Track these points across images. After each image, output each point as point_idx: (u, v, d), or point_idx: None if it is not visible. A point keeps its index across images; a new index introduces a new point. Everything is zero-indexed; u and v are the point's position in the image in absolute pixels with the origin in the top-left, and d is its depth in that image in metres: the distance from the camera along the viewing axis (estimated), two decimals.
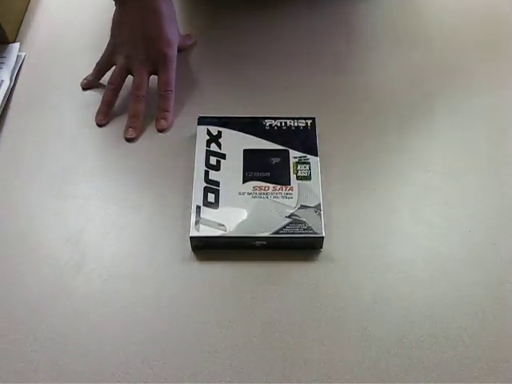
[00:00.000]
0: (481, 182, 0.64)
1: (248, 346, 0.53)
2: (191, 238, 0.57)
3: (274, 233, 0.57)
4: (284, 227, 0.57)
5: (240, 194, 0.60)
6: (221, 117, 0.66)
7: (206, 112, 0.68)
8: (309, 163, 0.62)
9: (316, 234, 0.57)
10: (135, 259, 0.59)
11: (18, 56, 0.76)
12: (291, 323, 0.55)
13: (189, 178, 0.62)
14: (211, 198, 0.60)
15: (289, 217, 0.58)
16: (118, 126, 0.69)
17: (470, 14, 0.82)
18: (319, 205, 0.59)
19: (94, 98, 0.72)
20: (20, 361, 0.52)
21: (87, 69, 0.74)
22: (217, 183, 0.61)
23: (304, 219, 0.58)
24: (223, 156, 0.63)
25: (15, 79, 0.73)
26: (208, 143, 0.64)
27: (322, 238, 0.57)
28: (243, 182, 0.61)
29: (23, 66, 0.75)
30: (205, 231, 0.57)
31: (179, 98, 0.71)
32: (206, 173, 0.61)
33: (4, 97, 0.70)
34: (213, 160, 0.63)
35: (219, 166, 0.62)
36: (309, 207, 0.59)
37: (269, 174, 0.61)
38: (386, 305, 0.56)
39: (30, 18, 0.82)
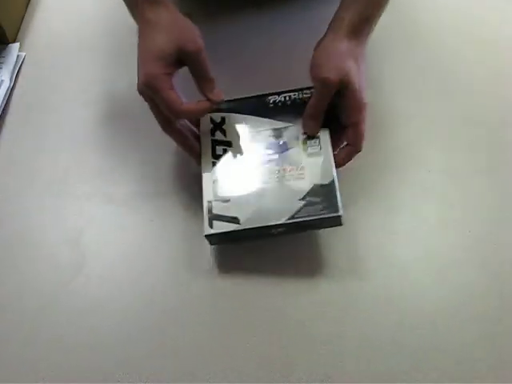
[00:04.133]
0: (481, 181, 0.64)
1: (248, 345, 0.53)
2: (206, 235, 0.55)
3: (290, 218, 0.54)
4: (299, 211, 0.54)
5: (250, 181, 0.57)
6: (223, 101, 0.61)
7: None
8: (318, 137, 0.58)
9: (333, 213, 0.54)
10: (135, 259, 0.59)
11: (18, 56, 0.76)
12: (291, 322, 0.55)
13: (191, 175, 0.62)
14: (221, 190, 0.57)
15: (303, 199, 0.55)
16: (118, 125, 0.69)
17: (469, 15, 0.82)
18: (333, 181, 0.55)
19: (94, 97, 0.72)
20: (20, 361, 0.52)
21: (87, 69, 0.74)
22: (225, 173, 0.58)
23: (318, 199, 0.55)
24: (229, 144, 0.60)
25: (15, 79, 0.74)
26: (212, 132, 0.60)
27: (340, 216, 0.54)
28: (252, 169, 0.58)
29: (23, 66, 0.75)
30: (219, 227, 0.55)
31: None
32: (214, 164, 0.58)
33: (4, 97, 0.70)
34: (219, 150, 0.59)
35: (226, 154, 0.59)
36: (323, 185, 0.55)
37: (277, 156, 0.58)
38: (385, 305, 0.56)
39: (30, 18, 0.82)
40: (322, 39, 0.58)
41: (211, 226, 0.55)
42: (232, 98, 0.62)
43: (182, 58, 0.55)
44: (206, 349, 0.53)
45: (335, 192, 0.55)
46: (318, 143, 0.58)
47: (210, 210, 0.56)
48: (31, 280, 0.57)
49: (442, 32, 0.80)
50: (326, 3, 0.82)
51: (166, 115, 0.56)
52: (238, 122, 0.61)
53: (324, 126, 0.58)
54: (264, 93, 0.62)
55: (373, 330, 0.54)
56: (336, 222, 0.55)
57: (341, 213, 0.54)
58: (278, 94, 0.62)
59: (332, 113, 0.57)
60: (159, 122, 0.58)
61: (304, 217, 0.54)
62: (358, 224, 0.61)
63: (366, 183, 0.64)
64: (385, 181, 0.65)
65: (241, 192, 0.57)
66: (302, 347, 0.53)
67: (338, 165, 0.57)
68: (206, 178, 0.58)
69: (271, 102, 0.61)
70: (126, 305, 0.56)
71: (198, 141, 0.60)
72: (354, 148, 0.57)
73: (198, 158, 0.59)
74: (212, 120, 0.61)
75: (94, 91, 0.73)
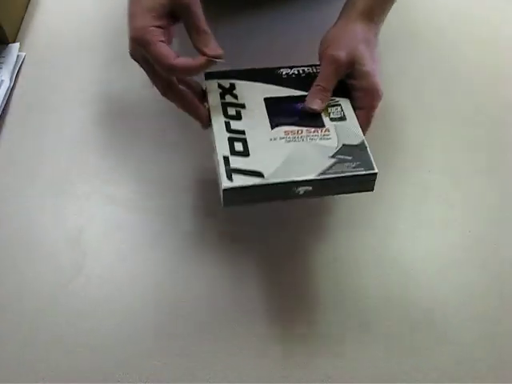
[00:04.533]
0: (481, 181, 0.64)
1: (248, 345, 0.53)
2: (224, 190, 0.48)
3: (321, 174, 0.49)
4: (330, 167, 0.49)
5: (271, 139, 0.51)
6: (230, 70, 0.56)
7: None
8: (339, 105, 0.54)
9: (368, 170, 0.50)
10: (135, 259, 0.59)
11: (18, 56, 0.76)
12: (291, 322, 0.55)
13: (191, 174, 0.62)
14: (239, 146, 0.51)
15: (333, 156, 0.50)
16: (118, 125, 0.69)
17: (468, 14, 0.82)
18: (363, 142, 0.52)
19: (94, 97, 0.72)
20: (20, 361, 0.52)
21: (87, 69, 0.74)
22: (241, 132, 0.52)
23: (350, 158, 0.50)
24: (242, 106, 0.54)
25: (15, 79, 0.73)
26: (222, 95, 0.55)
27: (375, 174, 0.50)
28: (272, 128, 0.52)
29: (23, 66, 0.75)
30: (240, 180, 0.48)
31: None
32: (227, 124, 0.52)
33: (4, 97, 0.70)
34: (231, 110, 0.53)
35: (240, 115, 0.53)
36: (352, 145, 0.51)
37: (298, 118, 0.53)
38: (386, 305, 0.56)
39: (30, 18, 0.82)
40: (333, 25, 0.57)
41: (230, 178, 0.49)
42: (242, 68, 0.57)
43: (174, 10, 0.51)
44: (206, 349, 0.53)
45: (367, 151, 0.51)
46: (340, 109, 0.54)
47: (227, 164, 0.50)
48: (31, 280, 0.57)
49: (442, 32, 0.80)
50: (326, 3, 0.82)
51: (165, 78, 0.52)
52: (250, 89, 0.55)
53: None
54: (276, 66, 0.57)
55: (373, 329, 0.54)
56: (369, 183, 0.51)
57: (376, 170, 0.50)
58: (291, 67, 0.58)
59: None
60: (158, 87, 0.53)
61: (337, 173, 0.49)
62: (358, 224, 0.61)
63: None
64: (385, 181, 0.64)
65: (262, 149, 0.51)
66: (302, 347, 0.53)
67: None
68: (219, 135, 0.52)
69: (284, 73, 0.57)
70: (125, 305, 0.56)
71: (202, 102, 0.55)
72: None
73: (205, 119, 0.54)
74: (220, 86, 0.56)
75: (94, 91, 0.73)
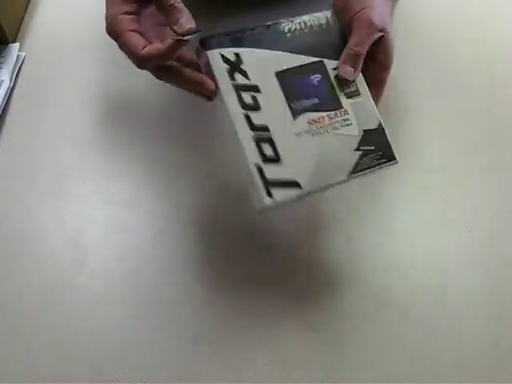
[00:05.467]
0: (481, 181, 0.64)
1: (248, 345, 0.53)
2: (265, 208, 0.48)
3: (352, 172, 0.50)
4: (358, 163, 0.50)
5: (296, 135, 0.50)
6: (229, 32, 0.52)
7: None
8: None
9: (392, 161, 0.52)
10: (135, 258, 0.59)
11: (18, 56, 0.76)
12: (291, 323, 0.55)
13: (191, 173, 0.62)
14: (267, 149, 0.49)
15: (357, 149, 0.51)
16: (118, 125, 0.69)
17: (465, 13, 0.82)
18: (380, 124, 0.52)
19: (94, 97, 0.72)
20: (20, 361, 0.52)
21: (87, 69, 0.74)
22: (265, 128, 0.50)
23: (373, 147, 0.51)
24: (256, 88, 0.50)
25: (15, 79, 0.73)
26: (231, 75, 0.50)
27: (396, 162, 0.52)
28: (294, 118, 0.51)
29: (23, 66, 0.75)
30: (279, 195, 0.48)
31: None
32: (248, 118, 0.49)
33: (4, 97, 0.70)
34: (247, 97, 0.50)
35: (257, 103, 0.50)
36: (371, 130, 0.52)
37: (316, 98, 0.51)
38: (385, 305, 0.56)
39: (30, 19, 0.82)
40: None
41: (270, 194, 0.48)
42: (241, 28, 0.53)
43: None
44: (206, 349, 0.53)
45: (386, 137, 0.52)
46: (353, 82, 0.53)
47: (262, 176, 0.48)
48: (31, 280, 0.57)
49: (435, 30, 0.80)
50: (326, 4, 0.82)
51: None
52: (258, 60, 0.51)
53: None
54: (274, 22, 0.54)
55: (372, 330, 0.54)
56: (388, 167, 0.53)
57: (397, 159, 0.52)
58: (290, 21, 0.54)
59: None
60: (149, 71, 0.50)
61: (365, 169, 0.51)
62: (357, 224, 0.61)
63: (366, 183, 0.64)
64: (383, 180, 0.65)
65: (291, 151, 0.49)
66: (302, 347, 0.53)
67: None
68: (244, 136, 0.49)
69: (286, 30, 0.53)
70: (126, 305, 0.56)
71: (200, 71, 0.51)
72: None
73: (208, 93, 0.50)
74: (224, 58, 0.51)
75: (94, 91, 0.73)
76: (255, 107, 0.50)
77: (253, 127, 0.49)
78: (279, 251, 0.59)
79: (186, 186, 0.63)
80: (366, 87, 0.53)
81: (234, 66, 0.51)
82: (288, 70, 0.52)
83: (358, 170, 0.51)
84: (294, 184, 0.48)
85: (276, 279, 0.57)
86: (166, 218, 0.61)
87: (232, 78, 0.50)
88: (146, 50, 0.46)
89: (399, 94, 0.72)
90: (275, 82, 0.51)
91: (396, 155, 0.52)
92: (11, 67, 0.74)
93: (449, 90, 0.73)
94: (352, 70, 0.52)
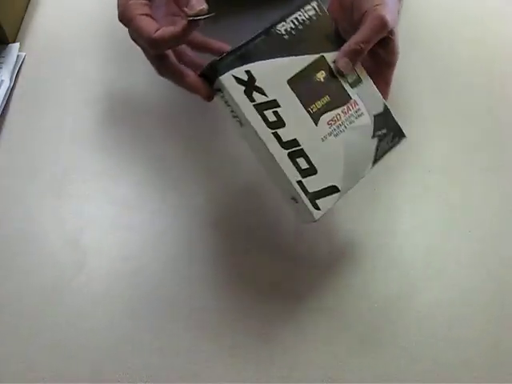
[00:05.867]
0: (481, 181, 0.64)
1: (248, 345, 0.53)
2: (315, 221, 0.50)
3: (375, 161, 0.53)
4: (377, 149, 0.53)
5: (322, 139, 0.51)
6: (231, 51, 0.50)
7: None
8: None
9: (401, 138, 0.55)
10: (136, 258, 0.59)
11: (18, 56, 0.76)
12: (291, 323, 0.55)
13: (191, 174, 0.62)
14: (303, 163, 0.50)
15: (374, 136, 0.53)
16: (118, 125, 0.69)
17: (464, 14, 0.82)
18: (386, 106, 0.54)
19: (95, 97, 0.72)
20: (20, 361, 0.52)
21: (87, 69, 0.74)
22: (295, 142, 0.50)
23: (385, 131, 0.54)
24: (275, 103, 0.50)
25: (15, 79, 0.73)
26: (249, 95, 0.49)
27: (406, 138, 0.56)
28: (316, 124, 0.51)
29: (23, 66, 0.75)
30: (325, 205, 0.50)
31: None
32: (277, 137, 0.49)
33: (4, 97, 0.70)
34: (270, 115, 0.50)
35: (281, 119, 0.50)
36: (380, 114, 0.54)
37: (328, 96, 0.52)
38: (385, 305, 0.56)
39: (30, 19, 0.82)
40: None
41: (317, 207, 0.50)
42: (241, 44, 0.51)
43: None
44: (206, 349, 0.53)
45: (393, 116, 0.55)
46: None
47: (306, 191, 0.50)
48: (31, 280, 0.57)
49: (435, 30, 0.80)
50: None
51: (157, 53, 0.48)
52: (269, 73, 0.51)
53: None
54: (266, 26, 0.52)
55: (372, 329, 0.54)
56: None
57: (406, 135, 0.55)
58: (282, 20, 0.53)
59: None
60: (153, 65, 0.50)
61: (384, 154, 0.54)
62: (357, 224, 0.61)
63: (366, 183, 0.64)
64: (385, 181, 0.65)
65: (322, 157, 0.51)
66: (302, 347, 0.53)
67: None
68: (280, 156, 0.50)
69: (282, 32, 0.52)
70: (126, 305, 0.56)
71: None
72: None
73: (205, 93, 0.50)
74: (238, 79, 0.50)
75: (94, 91, 0.73)
76: (281, 124, 0.50)
77: (283, 145, 0.50)
78: (279, 251, 0.59)
79: (189, 186, 0.63)
80: (365, 72, 0.54)
81: (249, 85, 0.50)
82: (296, 74, 0.52)
83: (378, 156, 0.53)
84: (333, 189, 0.51)
85: (276, 279, 0.57)
86: (166, 219, 0.61)
87: (251, 99, 0.50)
88: (159, 32, 0.46)
89: (399, 94, 0.72)
90: (289, 91, 0.51)
91: (404, 131, 0.55)
92: (11, 67, 0.74)
93: (449, 90, 0.72)
94: (351, 64, 0.52)
